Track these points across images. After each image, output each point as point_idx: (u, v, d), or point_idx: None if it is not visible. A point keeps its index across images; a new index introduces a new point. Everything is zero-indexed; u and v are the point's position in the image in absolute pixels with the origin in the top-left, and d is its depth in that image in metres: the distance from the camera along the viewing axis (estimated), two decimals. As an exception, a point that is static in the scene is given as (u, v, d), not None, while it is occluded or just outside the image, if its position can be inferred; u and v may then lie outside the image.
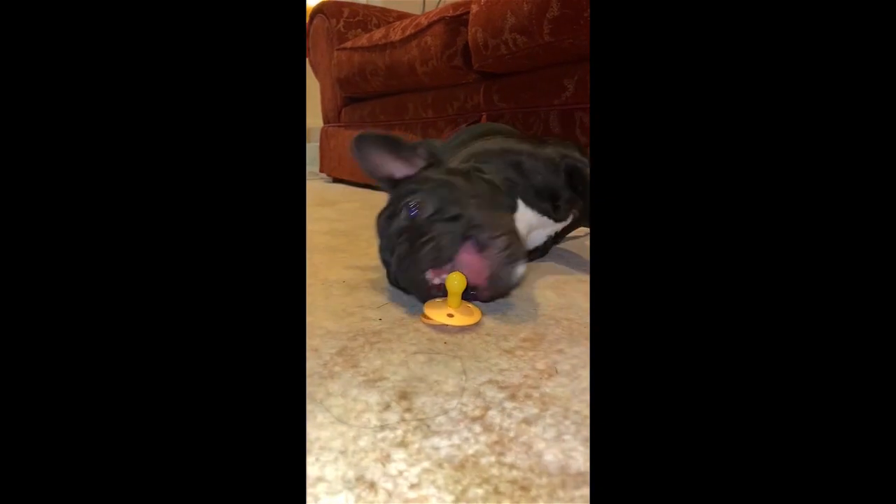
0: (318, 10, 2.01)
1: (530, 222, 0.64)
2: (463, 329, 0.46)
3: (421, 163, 0.61)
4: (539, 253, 0.73)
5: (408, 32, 1.44)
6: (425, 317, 0.48)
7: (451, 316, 0.47)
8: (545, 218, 0.65)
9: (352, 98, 1.96)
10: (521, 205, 0.62)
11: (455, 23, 1.28)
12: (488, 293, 0.49)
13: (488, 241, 0.47)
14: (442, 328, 0.47)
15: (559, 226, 0.69)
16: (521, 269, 0.48)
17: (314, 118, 2.46)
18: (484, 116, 1.29)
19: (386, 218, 0.55)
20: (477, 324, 0.47)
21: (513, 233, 0.51)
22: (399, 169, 0.61)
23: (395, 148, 0.59)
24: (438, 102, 1.47)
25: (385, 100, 1.75)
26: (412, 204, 0.52)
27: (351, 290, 0.59)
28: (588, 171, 0.64)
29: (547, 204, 0.64)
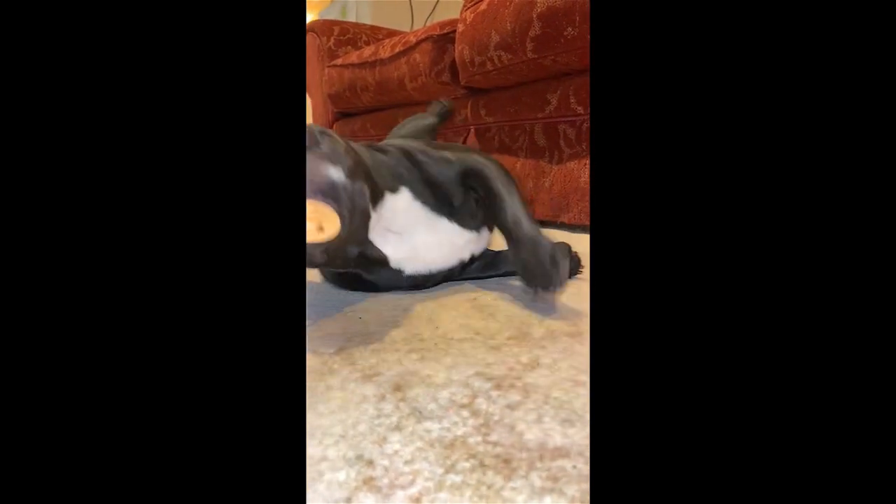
0: (309, 28, 2.05)
1: (418, 215, 0.61)
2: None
3: None
4: (441, 277, 0.66)
5: (397, 50, 1.48)
6: None
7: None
8: (438, 216, 0.62)
9: (343, 113, 2.00)
10: (406, 192, 0.59)
11: (442, 41, 1.33)
12: None
13: None
14: (433, 332, 0.49)
15: (469, 241, 0.65)
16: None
17: (306, 133, 2.49)
18: (472, 130, 1.33)
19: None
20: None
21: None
22: None
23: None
24: (428, 117, 1.52)
25: (376, 114, 1.79)
26: None
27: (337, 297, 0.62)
28: (489, 171, 0.61)
29: (441, 202, 0.62)
